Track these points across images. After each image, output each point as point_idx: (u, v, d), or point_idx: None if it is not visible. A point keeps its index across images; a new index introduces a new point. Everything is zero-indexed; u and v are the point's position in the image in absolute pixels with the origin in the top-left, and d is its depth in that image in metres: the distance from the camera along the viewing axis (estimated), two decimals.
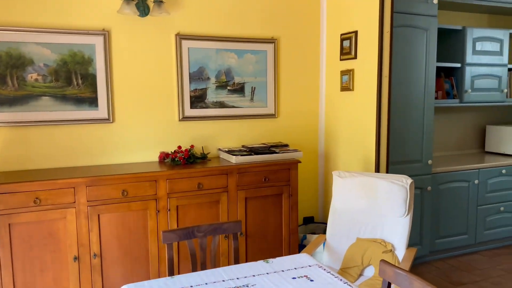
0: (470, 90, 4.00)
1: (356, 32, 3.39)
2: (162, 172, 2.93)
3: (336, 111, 3.70)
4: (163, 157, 3.30)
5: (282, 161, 3.27)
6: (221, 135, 3.55)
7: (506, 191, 4.02)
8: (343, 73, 3.54)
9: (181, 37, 3.32)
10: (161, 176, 2.92)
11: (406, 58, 3.36)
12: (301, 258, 2.11)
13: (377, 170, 3.24)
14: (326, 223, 3.89)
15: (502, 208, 4.01)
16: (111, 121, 3.17)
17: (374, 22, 3.20)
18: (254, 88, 3.62)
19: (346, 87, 3.52)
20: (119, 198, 2.81)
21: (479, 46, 4.01)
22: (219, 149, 3.49)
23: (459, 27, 3.91)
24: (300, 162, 3.31)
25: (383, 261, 1.75)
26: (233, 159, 3.19)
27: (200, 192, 3.04)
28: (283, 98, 3.73)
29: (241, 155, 3.21)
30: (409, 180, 2.86)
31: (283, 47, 3.68)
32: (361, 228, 2.94)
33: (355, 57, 3.40)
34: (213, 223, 2.01)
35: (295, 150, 3.36)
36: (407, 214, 2.83)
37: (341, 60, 3.57)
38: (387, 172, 3.27)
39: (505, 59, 4.15)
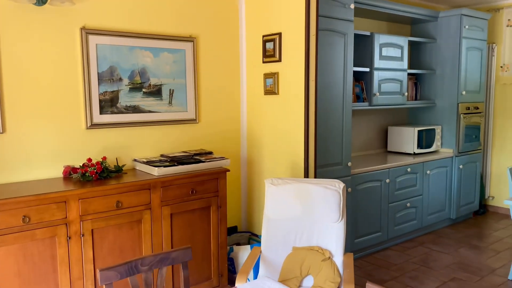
0: (378, 94, 4.20)
1: (280, 34, 3.29)
2: (73, 191, 2.46)
3: (259, 115, 3.56)
4: (69, 172, 2.80)
5: (210, 171, 3.01)
6: (137, 144, 3.16)
7: (410, 187, 4.31)
8: (267, 76, 3.42)
9: (87, 31, 2.85)
10: (72, 196, 2.45)
11: (327, 62, 3.36)
12: None
13: (306, 175, 3.18)
14: (250, 232, 3.74)
15: (408, 204, 4.29)
16: (1, 131, 2.58)
17: (298, 24, 3.13)
18: (173, 90, 3.30)
19: (270, 91, 3.41)
20: (19, 226, 2.29)
21: (384, 51, 4.23)
22: (135, 160, 3.10)
23: (367, 33, 4.07)
24: (228, 170, 3.10)
25: (370, 282, 1.63)
26: (155, 171, 2.84)
27: (119, 212, 2.63)
28: (204, 102, 3.47)
29: (164, 166, 2.88)
30: (341, 185, 2.85)
31: (203, 46, 3.42)
32: (297, 236, 2.85)
33: (280, 60, 3.30)
34: (159, 253, 1.69)
35: (222, 158, 3.14)
36: (341, 219, 2.80)
37: (264, 62, 3.44)
38: (315, 177, 3.24)
39: (405, 64, 4.45)
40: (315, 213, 2.82)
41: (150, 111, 3.20)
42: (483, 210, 5.32)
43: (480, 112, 4.98)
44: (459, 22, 4.59)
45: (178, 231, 2.90)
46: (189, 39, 3.32)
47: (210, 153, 3.26)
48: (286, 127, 3.32)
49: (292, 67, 3.22)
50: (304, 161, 3.15)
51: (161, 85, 3.23)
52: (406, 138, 4.63)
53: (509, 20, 5.02)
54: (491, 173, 5.36)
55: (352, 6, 3.49)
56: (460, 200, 4.86)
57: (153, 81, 3.19)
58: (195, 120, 3.42)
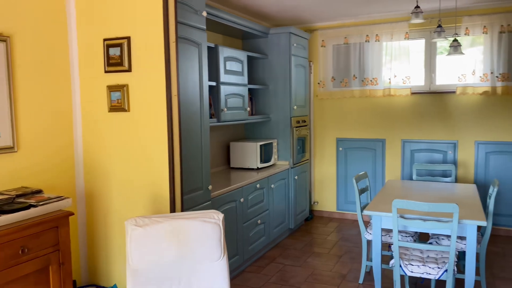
0: (226, 109, 3.98)
1: (128, 39, 2.70)
2: None
3: (103, 137, 2.86)
4: None
5: (46, 218, 2.20)
6: None
7: (260, 203, 4.23)
8: (113, 88, 2.76)
9: None
10: None
11: (182, 75, 2.94)
12: None
13: (173, 209, 2.68)
14: (95, 285, 2.97)
15: (259, 221, 4.19)
16: None
17: (153, 28, 2.63)
18: None
19: (118, 107, 2.76)
20: None
21: (228, 65, 4.04)
22: None
23: (212, 45, 3.81)
24: (72, 213, 2.34)
25: None
26: None
27: None
28: (24, 123, 2.57)
29: None
30: (221, 216, 2.48)
31: (20, 49, 2.53)
32: (173, 285, 2.34)
33: (130, 70, 2.71)
34: None
35: (61, 198, 2.35)
36: (223, 256, 2.43)
37: (107, 72, 2.77)
38: (182, 209, 2.75)
39: (246, 79, 4.37)
40: (194, 253, 2.37)
41: None
42: (311, 215, 5.70)
43: (306, 125, 5.32)
44: (288, 40, 4.79)
45: None
46: (0, 37, 2.41)
47: (39, 191, 2.43)
48: (142, 151, 2.74)
49: (147, 79, 2.67)
50: (170, 192, 2.64)
51: None
52: (249, 153, 4.55)
53: (322, 41, 5.54)
54: (314, 180, 5.80)
55: (205, 13, 3.16)
56: (296, 209, 5.06)
57: None
58: (11, 148, 2.50)
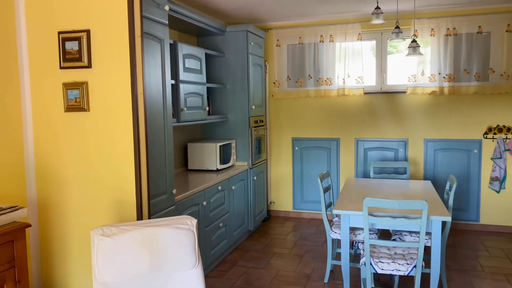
0: (185, 109, 3.82)
1: (88, 32, 2.47)
2: None
3: (58, 140, 2.60)
4: None
5: (0, 231, 1.95)
6: None
7: (221, 206, 4.11)
8: (70, 86, 2.52)
9: None
10: None
11: (145, 71, 2.75)
12: None
13: (140, 215, 2.49)
14: None
15: (220, 224, 4.07)
16: None
17: (116, 20, 2.43)
18: None
19: (76, 106, 2.52)
20: None
21: (187, 63, 3.88)
22: None
23: (171, 41, 3.63)
24: (29, 225, 2.09)
25: None
26: None
27: None
28: None
29: None
30: (194, 221, 2.36)
31: None
32: None
33: (89, 66, 2.48)
34: None
35: (15, 208, 2.10)
36: (198, 263, 2.31)
37: (63, 68, 2.53)
38: (149, 216, 2.58)
39: (204, 77, 4.23)
40: (167, 263, 2.23)
41: None
42: (268, 216, 5.66)
43: (263, 125, 5.28)
44: (245, 38, 4.70)
45: None
46: None
47: None
48: (105, 154, 2.53)
49: (110, 76, 2.47)
50: (136, 197, 2.45)
51: None
52: (208, 154, 4.41)
53: (277, 40, 5.52)
54: (271, 180, 5.77)
55: (167, 7, 2.99)
56: (256, 210, 5.00)
57: None
58: None
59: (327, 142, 5.52)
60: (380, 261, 2.89)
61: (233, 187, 4.37)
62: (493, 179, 4.93)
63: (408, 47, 3.75)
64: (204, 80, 4.23)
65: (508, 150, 4.84)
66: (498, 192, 4.93)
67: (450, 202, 3.34)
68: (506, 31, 4.72)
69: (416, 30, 4.95)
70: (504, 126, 4.89)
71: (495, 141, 4.92)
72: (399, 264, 2.86)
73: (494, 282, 3.61)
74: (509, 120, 4.87)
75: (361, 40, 5.19)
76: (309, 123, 5.56)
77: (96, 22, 2.46)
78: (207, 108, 4.28)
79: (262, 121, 5.22)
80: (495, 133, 4.93)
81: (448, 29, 4.88)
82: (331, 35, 5.29)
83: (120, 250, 2.12)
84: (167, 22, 3.00)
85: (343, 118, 5.43)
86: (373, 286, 3.10)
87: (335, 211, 3.08)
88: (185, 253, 2.25)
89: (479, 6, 4.78)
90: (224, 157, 4.55)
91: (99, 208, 2.57)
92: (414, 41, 3.73)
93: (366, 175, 5.37)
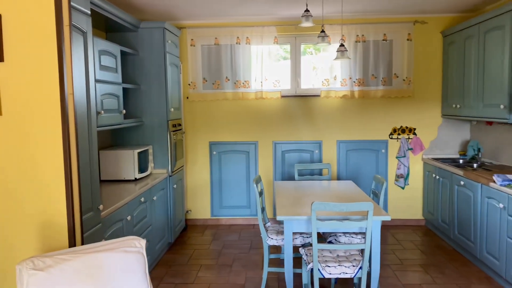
0: (103, 112, 3.37)
1: None
2: None
3: None
4: None
5: None
6: None
7: (144, 219, 3.72)
8: None
9: None
10: None
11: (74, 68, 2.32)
12: None
13: (73, 239, 2.07)
14: None
15: (145, 240, 3.68)
16: None
17: (36, 5, 1.98)
18: None
19: None
20: None
21: (103, 60, 3.44)
22: None
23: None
24: None
25: None
26: None
27: None
28: None
29: None
30: (142, 242, 2.06)
31: None
32: None
33: (1, 60, 1.99)
34: None
35: None
36: None
37: None
38: (82, 241, 2.15)
39: (120, 77, 3.80)
40: None
41: None
42: (185, 225, 5.36)
43: (181, 129, 4.97)
44: (162, 36, 4.37)
45: None
46: None
47: None
48: (24, 168, 2.05)
49: (30, 72, 2.01)
50: (68, 219, 2.03)
51: None
52: (125, 163, 3.97)
53: (192, 39, 5.26)
54: (187, 187, 5.47)
55: None
56: (175, 221, 4.67)
57: None
58: None
59: (245, 146, 5.42)
60: (327, 265, 2.85)
61: (154, 198, 4.00)
62: (398, 176, 5.33)
63: (337, 51, 3.82)
64: (120, 80, 3.80)
65: (411, 149, 5.27)
66: (403, 188, 5.34)
67: (381, 202, 3.47)
68: (407, 39, 5.14)
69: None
70: (406, 127, 5.31)
71: (400, 141, 5.32)
72: (345, 267, 2.85)
73: (415, 273, 3.85)
74: (411, 121, 5.30)
75: (277, 43, 5.20)
76: (227, 127, 5.41)
77: (10, 5, 1.98)
78: (124, 111, 3.86)
79: (180, 125, 4.91)
80: (399, 134, 5.33)
81: (357, 35, 5.13)
82: (247, 37, 5.20)
83: (58, 285, 1.72)
84: (89, 12, 2.59)
85: (261, 121, 5.39)
86: None
87: (280, 217, 2.96)
88: (136, 279, 1.92)
89: (383, 15, 5.12)
90: (142, 165, 4.15)
91: (19, 236, 2.07)
92: (342, 45, 3.81)
93: (285, 177, 5.39)
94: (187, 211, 5.47)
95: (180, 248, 4.64)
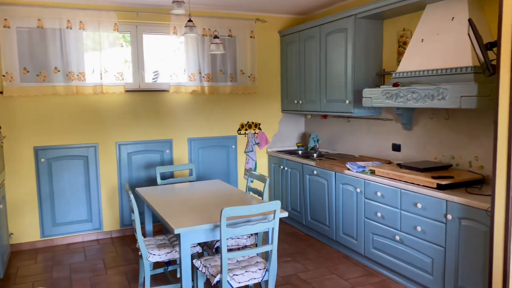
0: None
1: None
2: None
3: None
4: None
5: None
6: None
7: None
8: None
9: None
10: None
11: None
12: None
13: None
14: None
15: None
16: None
17: None
18: None
19: None
20: None
21: None
22: None
23: None
24: None
25: None
26: None
27: None
28: None
29: None
30: None
31: None
32: None
33: None
34: None
35: None
36: None
37: None
38: None
39: None
40: None
41: None
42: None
43: None
44: None
45: None
46: None
47: None
48: None
49: None
50: None
51: None
52: None
53: (5, 19, 4.15)
54: (7, 206, 4.33)
55: None
56: (2, 249, 3.63)
57: None
58: None
59: (83, 150, 4.62)
60: (235, 274, 2.63)
61: None
62: (247, 170, 5.43)
63: (211, 43, 3.58)
64: None
65: (258, 143, 5.44)
66: (252, 182, 5.46)
67: (265, 199, 3.42)
68: (250, 36, 5.25)
69: (175, 27, 4.81)
70: (253, 123, 5.45)
71: (247, 136, 5.42)
72: (252, 272, 2.69)
73: (287, 264, 3.97)
74: (257, 116, 5.46)
75: (117, 31, 4.58)
76: (59, 128, 4.50)
77: None
78: None
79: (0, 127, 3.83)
80: (246, 129, 5.43)
81: (204, 29, 4.96)
82: (81, 22, 4.42)
83: None
84: None
85: (101, 120, 4.68)
86: None
87: (178, 230, 2.58)
88: None
89: (229, 11, 5.10)
90: None
91: None
92: (216, 37, 3.58)
93: (132, 183, 4.83)
94: (9, 235, 4.34)
95: (17, 283, 3.63)
